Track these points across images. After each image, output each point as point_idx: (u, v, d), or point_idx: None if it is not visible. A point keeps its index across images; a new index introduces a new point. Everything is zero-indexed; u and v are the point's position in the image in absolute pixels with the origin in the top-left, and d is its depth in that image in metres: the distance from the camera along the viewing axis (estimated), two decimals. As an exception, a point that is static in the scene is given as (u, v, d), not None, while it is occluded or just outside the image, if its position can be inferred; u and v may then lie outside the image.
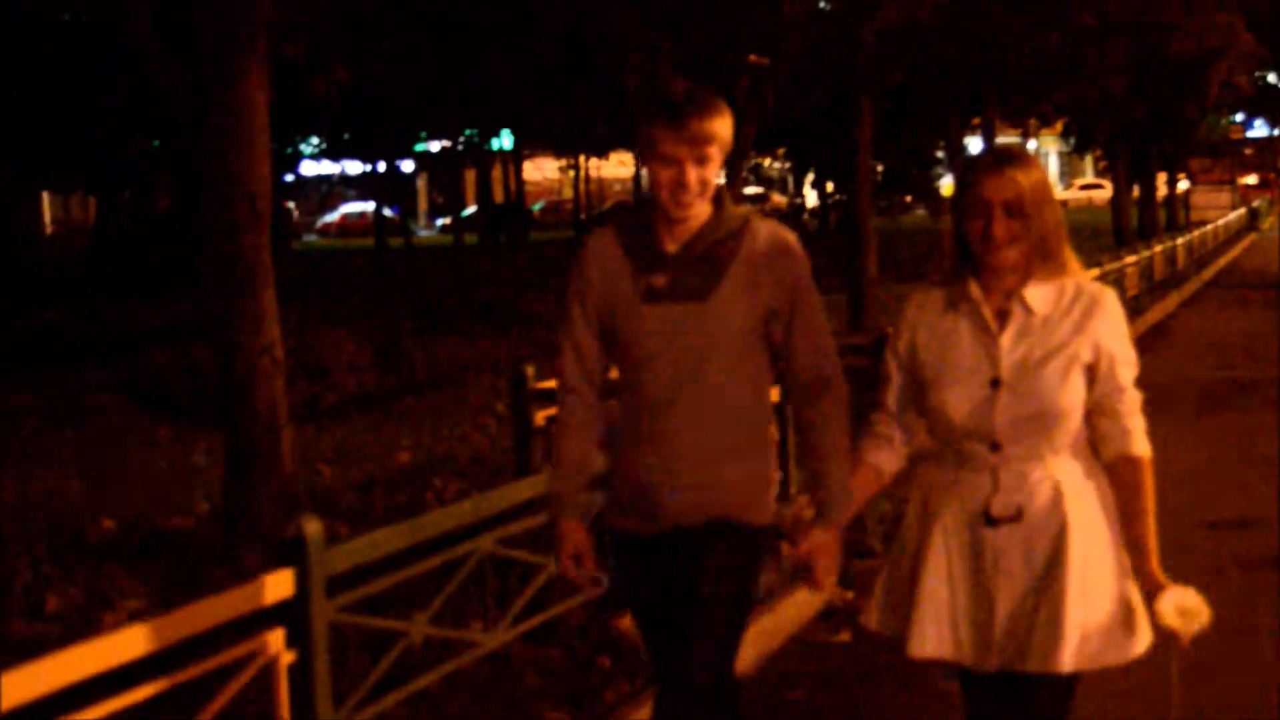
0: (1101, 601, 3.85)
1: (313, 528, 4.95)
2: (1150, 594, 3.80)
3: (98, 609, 7.06)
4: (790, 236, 4.13)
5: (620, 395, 4.17)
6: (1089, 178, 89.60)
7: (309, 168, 71.48)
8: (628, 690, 6.27)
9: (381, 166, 55.65)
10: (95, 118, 30.53)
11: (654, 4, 14.36)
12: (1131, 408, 3.93)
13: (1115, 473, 3.90)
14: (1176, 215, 50.59)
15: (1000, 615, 3.85)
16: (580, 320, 4.15)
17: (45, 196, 64.12)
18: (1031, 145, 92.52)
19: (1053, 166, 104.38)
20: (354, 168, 71.71)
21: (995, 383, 3.83)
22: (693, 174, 3.90)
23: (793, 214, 60.11)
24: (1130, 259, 25.05)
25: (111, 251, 40.64)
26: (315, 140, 53.55)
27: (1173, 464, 11.53)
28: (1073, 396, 3.83)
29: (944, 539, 3.92)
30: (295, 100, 19.64)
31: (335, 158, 64.12)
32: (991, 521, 3.86)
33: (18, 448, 12.03)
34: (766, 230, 4.09)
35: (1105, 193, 62.97)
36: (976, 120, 28.75)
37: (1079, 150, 52.89)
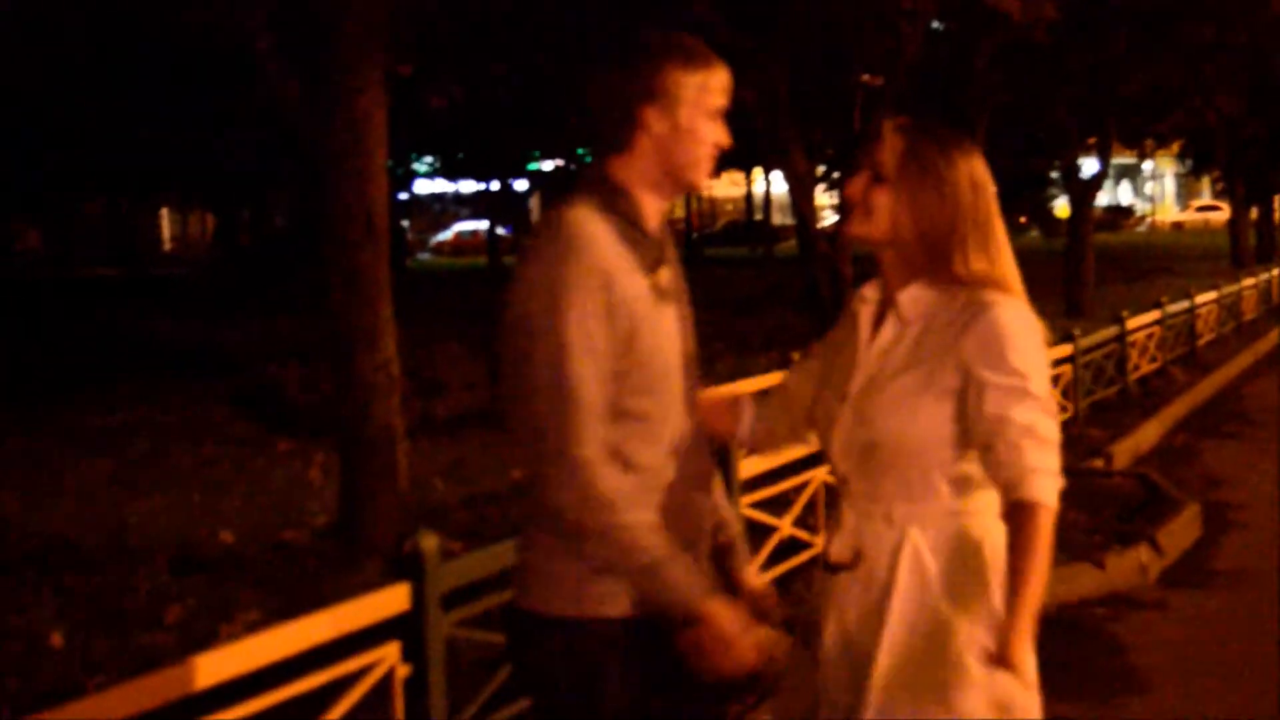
0: (915, 686, 3.21)
1: (429, 543, 4.98)
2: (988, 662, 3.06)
3: (216, 621, 7.11)
4: None
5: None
6: (1206, 199, 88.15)
7: (423, 186, 72.00)
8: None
9: (495, 185, 55.94)
10: (215, 137, 30.99)
11: (770, 23, 14.31)
12: (1023, 442, 3.09)
13: (1007, 521, 3.10)
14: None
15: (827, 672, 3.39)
16: (599, 349, 3.01)
17: (164, 214, 65.25)
18: (1148, 166, 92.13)
19: (1169, 188, 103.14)
20: (468, 186, 72.18)
21: (844, 398, 3.33)
22: None
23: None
24: (1248, 282, 24.72)
25: (229, 268, 41.22)
26: (430, 159, 53.97)
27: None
28: (922, 429, 3.19)
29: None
30: (411, 119, 19.81)
31: (450, 177, 64.54)
32: (828, 567, 3.40)
33: (137, 461, 12.19)
34: None
35: (1222, 215, 61.89)
36: (1092, 140, 28.34)
37: (1196, 172, 52.27)
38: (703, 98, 3.16)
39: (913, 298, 3.28)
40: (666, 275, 3.22)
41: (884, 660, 3.20)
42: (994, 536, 3.17)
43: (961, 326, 3.18)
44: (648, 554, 2.96)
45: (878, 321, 3.36)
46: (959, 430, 3.19)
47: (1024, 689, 3.16)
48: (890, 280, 3.35)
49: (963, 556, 3.21)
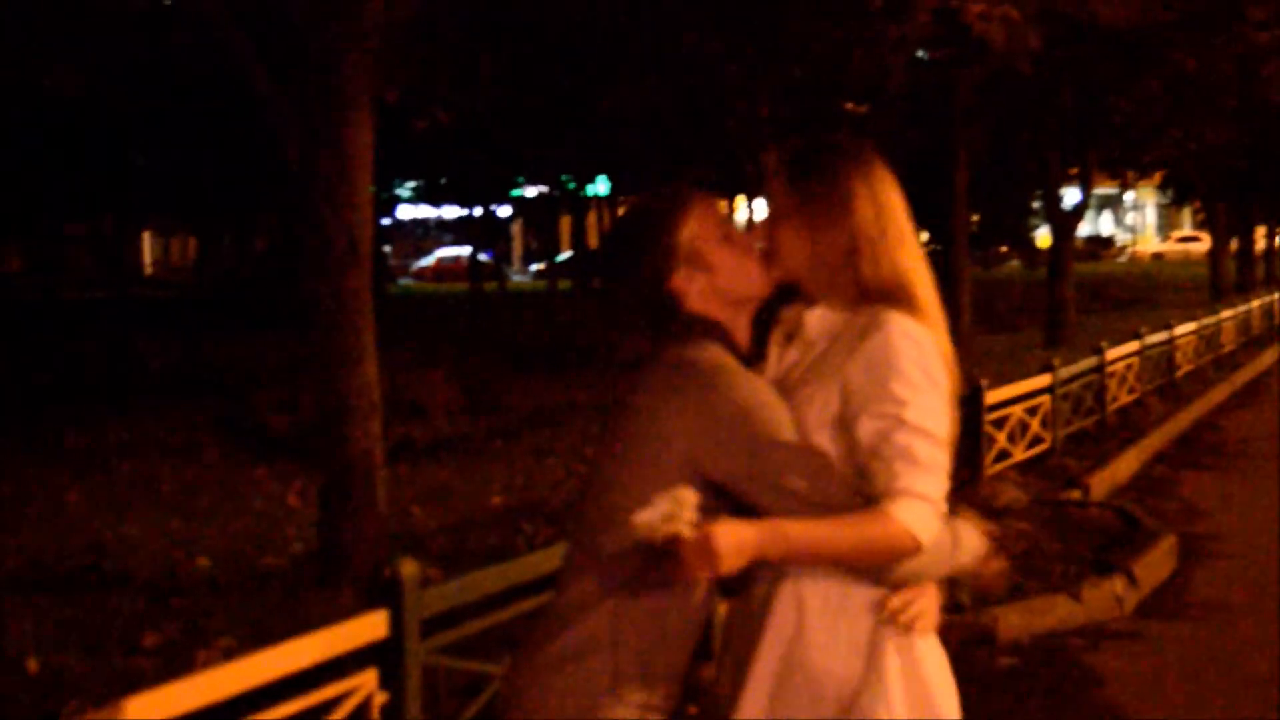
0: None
1: (408, 570, 4.98)
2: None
3: (193, 645, 7.10)
4: None
5: None
6: (1187, 230, 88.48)
7: (405, 211, 72.09)
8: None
9: (478, 211, 56.05)
10: (198, 162, 31.05)
11: (757, 51, 14.37)
12: (897, 465, 2.97)
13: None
14: (1275, 268, 49.99)
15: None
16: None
17: (146, 238, 65.20)
18: (1129, 197, 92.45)
19: (1150, 219, 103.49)
20: (450, 212, 72.24)
21: None
22: None
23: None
24: (1227, 313, 24.77)
25: (212, 291, 41.24)
26: (413, 184, 54.04)
27: (1266, 521, 11.45)
28: None
29: None
30: (395, 143, 19.84)
31: (432, 202, 64.62)
32: (724, 589, 3.26)
33: (115, 483, 12.17)
34: None
35: (1202, 246, 62.17)
36: (1074, 170, 28.46)
37: (1177, 202, 52.43)
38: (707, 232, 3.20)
39: (819, 316, 3.22)
40: None
41: (745, 703, 3.12)
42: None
43: (851, 349, 3.08)
44: None
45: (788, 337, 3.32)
46: (838, 455, 3.06)
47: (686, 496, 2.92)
48: (810, 301, 3.27)
49: (842, 599, 3.09)
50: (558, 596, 3.19)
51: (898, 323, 3.07)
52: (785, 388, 3.16)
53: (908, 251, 3.20)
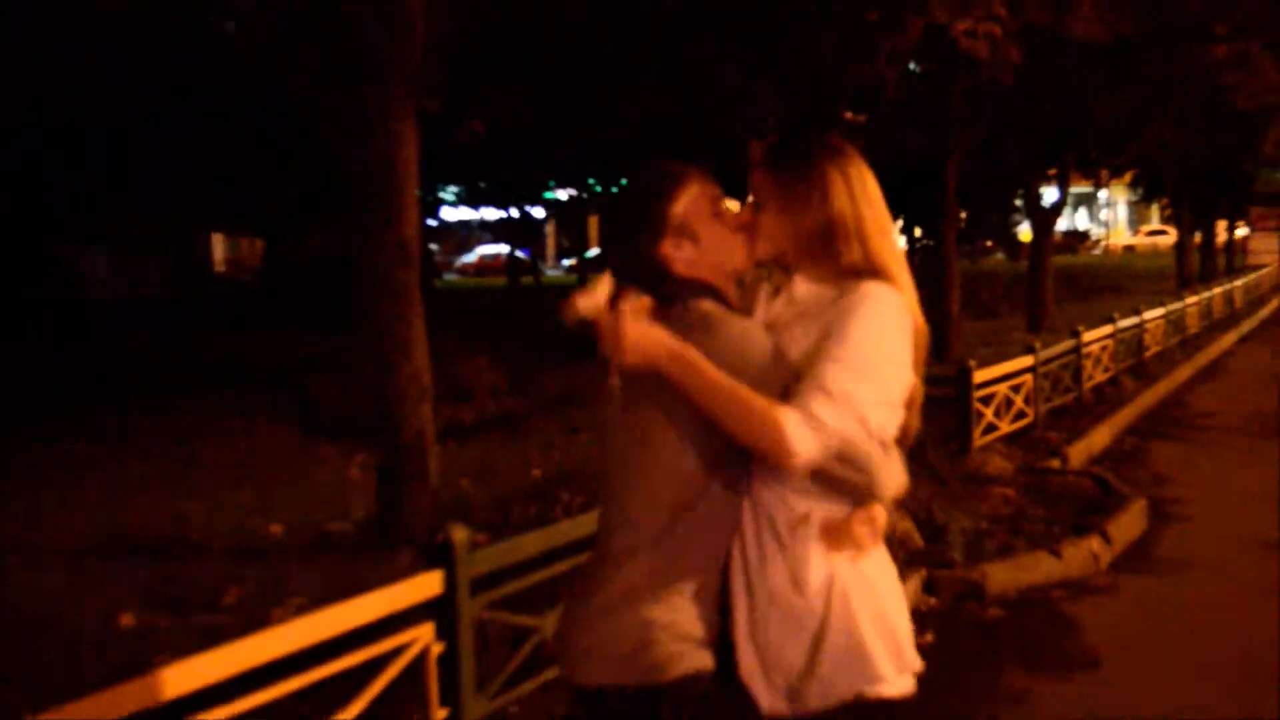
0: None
1: (459, 534, 5.03)
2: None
3: (269, 603, 7.16)
4: None
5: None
6: (1155, 224, 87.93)
7: (449, 213, 71.88)
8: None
9: (514, 212, 55.94)
10: (261, 168, 31.11)
11: (761, 59, 14.33)
12: (810, 391, 2.97)
13: None
14: (1234, 259, 49.72)
15: None
16: None
17: (216, 239, 65.10)
18: (1103, 194, 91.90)
19: (1122, 214, 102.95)
20: (490, 214, 72.10)
21: None
22: None
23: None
24: (1191, 300, 24.73)
25: (275, 287, 41.28)
26: (455, 189, 53.96)
27: (1226, 486, 11.45)
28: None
29: None
30: (438, 152, 19.86)
31: (473, 204, 64.46)
32: None
33: (196, 461, 12.25)
34: None
35: (1169, 239, 61.69)
36: (1053, 171, 28.36)
37: (1146, 199, 52.01)
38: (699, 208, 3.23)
39: (806, 283, 3.23)
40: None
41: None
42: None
43: (835, 304, 3.12)
44: None
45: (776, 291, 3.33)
46: None
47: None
48: (794, 268, 3.27)
49: (794, 527, 3.11)
50: (599, 550, 3.23)
51: (875, 288, 3.10)
52: (773, 329, 3.18)
53: (885, 238, 3.21)
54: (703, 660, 3.09)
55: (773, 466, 3.04)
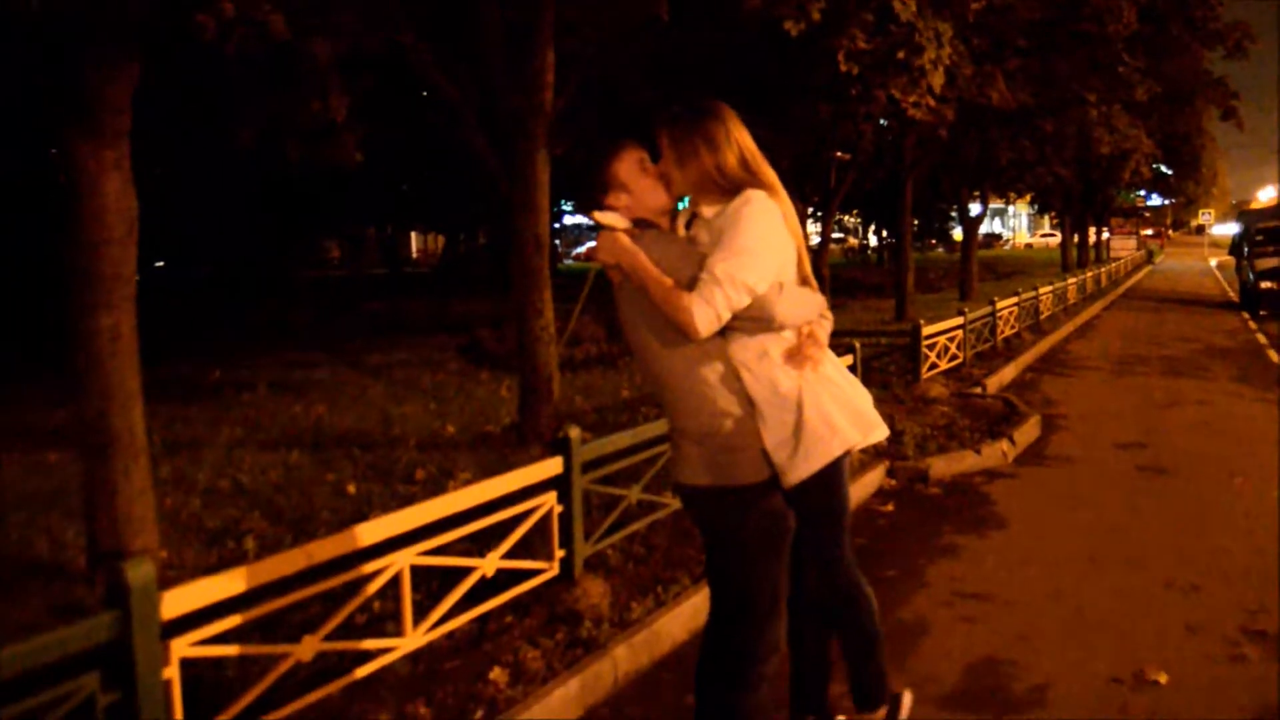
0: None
1: (573, 432, 5.02)
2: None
3: (446, 479, 7.20)
4: None
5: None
6: (1047, 229, 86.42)
7: (569, 219, 71.98)
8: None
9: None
10: (445, 189, 31.31)
11: (773, 113, 14.17)
12: (705, 281, 2.92)
13: None
14: (1101, 254, 48.74)
15: None
16: None
17: (413, 236, 65.44)
18: (1011, 208, 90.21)
19: (1024, 222, 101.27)
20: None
21: None
22: None
23: (861, 250, 58.52)
24: (1072, 280, 24.32)
25: (452, 269, 41.69)
26: (572, 201, 53.95)
27: (1093, 406, 11.24)
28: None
29: None
30: (561, 177, 19.84)
31: (584, 212, 64.49)
32: None
33: (397, 382, 12.34)
34: None
35: (1057, 239, 60.69)
36: (976, 193, 28.06)
37: (1041, 211, 51.01)
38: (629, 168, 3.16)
39: (709, 207, 3.10)
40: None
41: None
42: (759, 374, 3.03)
43: (719, 226, 3.03)
44: None
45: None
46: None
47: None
48: (699, 200, 3.14)
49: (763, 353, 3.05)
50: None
51: (753, 194, 3.02)
52: (693, 241, 3.11)
53: (763, 164, 3.09)
54: (751, 469, 3.05)
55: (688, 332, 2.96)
